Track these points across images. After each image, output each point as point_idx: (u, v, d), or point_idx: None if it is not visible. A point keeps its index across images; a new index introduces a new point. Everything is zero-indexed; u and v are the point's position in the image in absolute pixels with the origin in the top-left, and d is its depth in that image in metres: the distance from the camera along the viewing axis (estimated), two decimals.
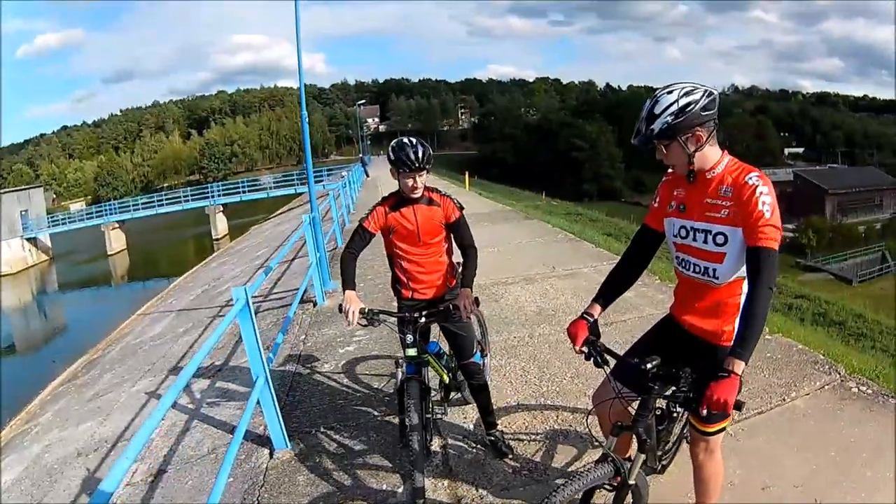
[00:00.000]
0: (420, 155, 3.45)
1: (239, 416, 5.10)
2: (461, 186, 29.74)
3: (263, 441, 4.55)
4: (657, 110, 2.37)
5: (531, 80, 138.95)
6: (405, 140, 3.50)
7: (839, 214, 58.99)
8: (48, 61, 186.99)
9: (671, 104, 2.35)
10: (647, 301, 6.74)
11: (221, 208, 47.52)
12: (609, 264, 8.62)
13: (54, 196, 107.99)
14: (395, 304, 3.95)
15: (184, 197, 49.99)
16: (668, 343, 2.70)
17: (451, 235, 3.78)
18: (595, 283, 7.30)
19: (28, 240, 47.89)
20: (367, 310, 3.52)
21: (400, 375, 3.57)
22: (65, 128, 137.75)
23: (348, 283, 3.64)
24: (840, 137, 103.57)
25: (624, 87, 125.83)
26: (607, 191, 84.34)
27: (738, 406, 2.17)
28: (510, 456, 3.90)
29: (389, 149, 3.50)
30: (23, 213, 48.77)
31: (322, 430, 4.62)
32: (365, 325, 3.54)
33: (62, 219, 52.61)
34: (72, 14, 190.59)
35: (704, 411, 2.23)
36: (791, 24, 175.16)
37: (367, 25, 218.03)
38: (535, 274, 8.36)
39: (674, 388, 2.40)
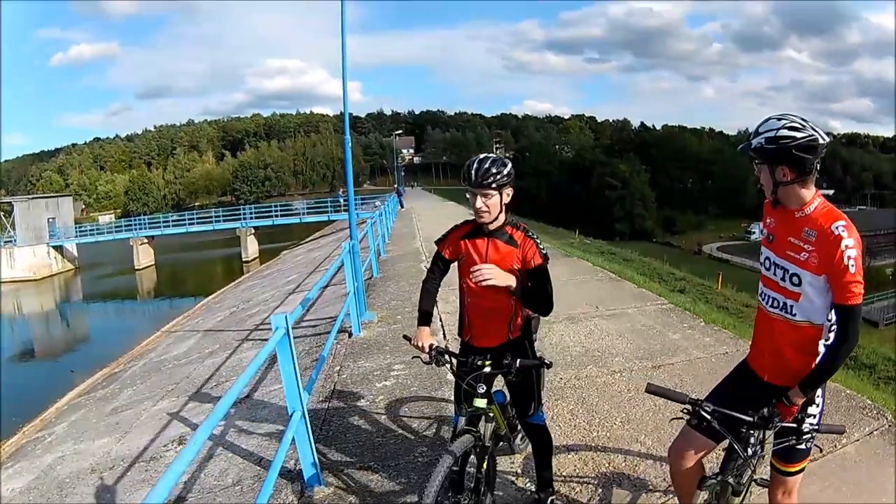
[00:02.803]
0: (479, 170, 3.00)
1: (266, 446, 5.04)
2: None
3: (293, 476, 4.29)
4: (762, 129, 2.39)
5: (567, 117, 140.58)
6: (483, 155, 3.12)
7: (867, 257, 57.92)
8: (82, 72, 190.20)
9: (771, 130, 2.34)
10: (694, 344, 6.62)
11: (253, 231, 47.47)
12: (653, 305, 8.46)
13: (83, 206, 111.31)
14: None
15: (215, 217, 50.66)
16: (745, 391, 2.68)
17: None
18: (640, 325, 7.26)
19: (54, 247, 48.55)
20: (434, 346, 3.18)
21: (460, 424, 3.09)
22: (97, 139, 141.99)
23: (423, 318, 3.35)
24: (869, 179, 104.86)
25: (659, 127, 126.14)
26: (639, 230, 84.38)
27: (840, 431, 2.44)
28: None
29: None
30: (50, 220, 49.62)
31: (358, 468, 4.40)
32: (427, 363, 3.20)
33: (90, 230, 53.69)
34: (107, 27, 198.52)
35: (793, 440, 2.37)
36: (822, 64, 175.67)
37: (404, 55, 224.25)
38: (579, 313, 8.09)
39: (758, 431, 2.50)
